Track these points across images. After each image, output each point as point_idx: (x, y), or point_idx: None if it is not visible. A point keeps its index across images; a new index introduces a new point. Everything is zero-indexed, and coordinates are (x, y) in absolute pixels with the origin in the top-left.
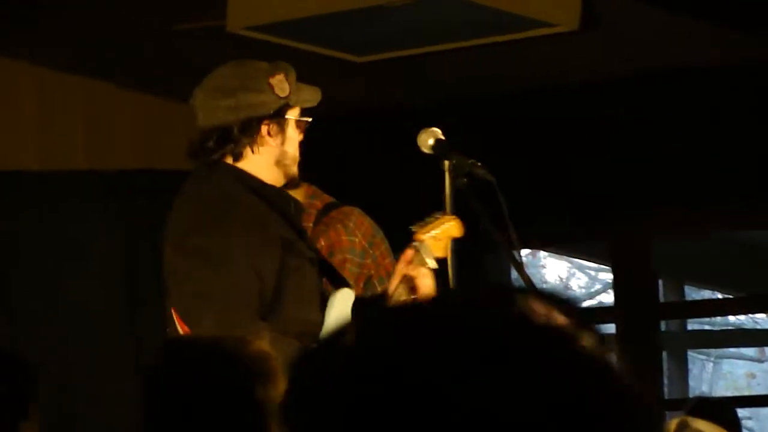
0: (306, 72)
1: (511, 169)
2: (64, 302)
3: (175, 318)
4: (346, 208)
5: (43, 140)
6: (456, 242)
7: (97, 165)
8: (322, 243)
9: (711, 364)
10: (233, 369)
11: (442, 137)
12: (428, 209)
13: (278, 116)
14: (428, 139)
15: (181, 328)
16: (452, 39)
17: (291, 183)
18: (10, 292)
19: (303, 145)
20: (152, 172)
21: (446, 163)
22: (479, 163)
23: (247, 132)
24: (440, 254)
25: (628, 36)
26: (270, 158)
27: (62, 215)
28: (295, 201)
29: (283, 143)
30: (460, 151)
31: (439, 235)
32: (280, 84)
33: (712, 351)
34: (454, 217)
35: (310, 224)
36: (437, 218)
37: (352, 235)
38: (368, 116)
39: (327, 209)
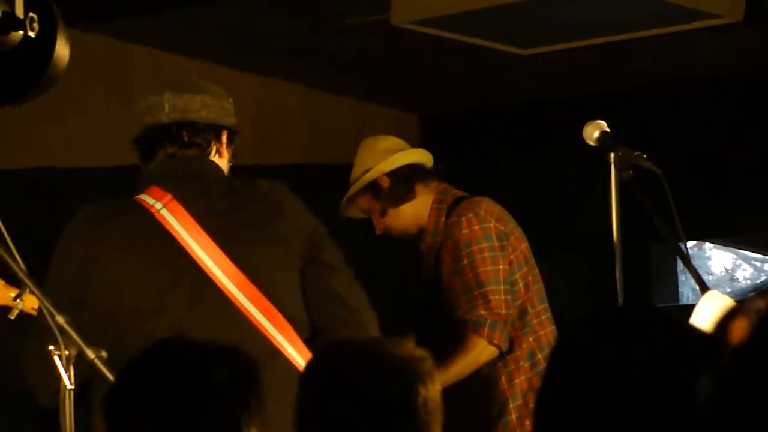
0: (471, 65)
1: (676, 161)
2: None
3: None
4: (476, 198)
5: None
6: (622, 234)
7: (263, 160)
8: (456, 235)
9: None
10: (394, 370)
11: (608, 129)
12: (594, 201)
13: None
14: (594, 131)
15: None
16: (617, 32)
17: None
18: None
19: (466, 139)
20: (317, 166)
21: (612, 155)
22: (645, 155)
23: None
24: None
25: None
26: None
27: None
28: None
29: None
30: (626, 143)
31: None
32: None
33: None
34: None
35: (442, 219)
36: None
37: (485, 221)
38: (533, 108)
39: (457, 202)
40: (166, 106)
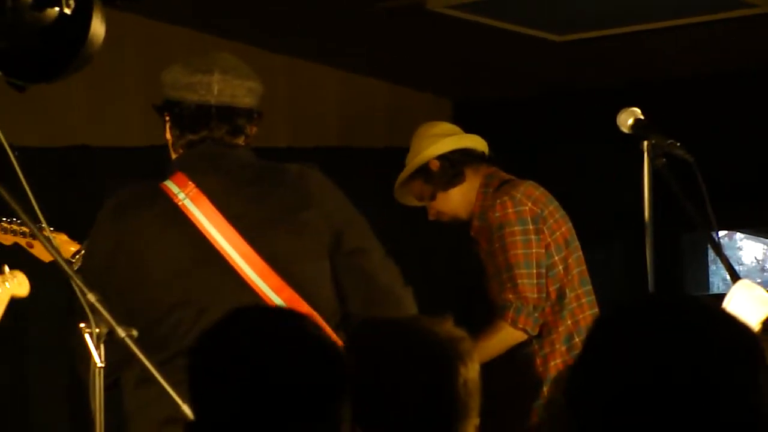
0: (505, 51)
1: (709, 150)
2: None
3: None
4: (517, 181)
5: None
6: (654, 222)
7: (298, 143)
8: (490, 218)
9: None
10: (434, 349)
11: (642, 117)
12: (627, 189)
13: None
14: (628, 119)
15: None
16: (652, 19)
17: None
18: None
19: (499, 125)
20: (351, 149)
21: (645, 143)
22: (678, 143)
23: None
24: None
25: None
26: None
27: None
28: None
29: None
30: (660, 131)
31: None
32: None
33: None
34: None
35: (488, 203)
36: None
37: (520, 204)
38: (567, 96)
39: (500, 186)
40: (216, 88)
